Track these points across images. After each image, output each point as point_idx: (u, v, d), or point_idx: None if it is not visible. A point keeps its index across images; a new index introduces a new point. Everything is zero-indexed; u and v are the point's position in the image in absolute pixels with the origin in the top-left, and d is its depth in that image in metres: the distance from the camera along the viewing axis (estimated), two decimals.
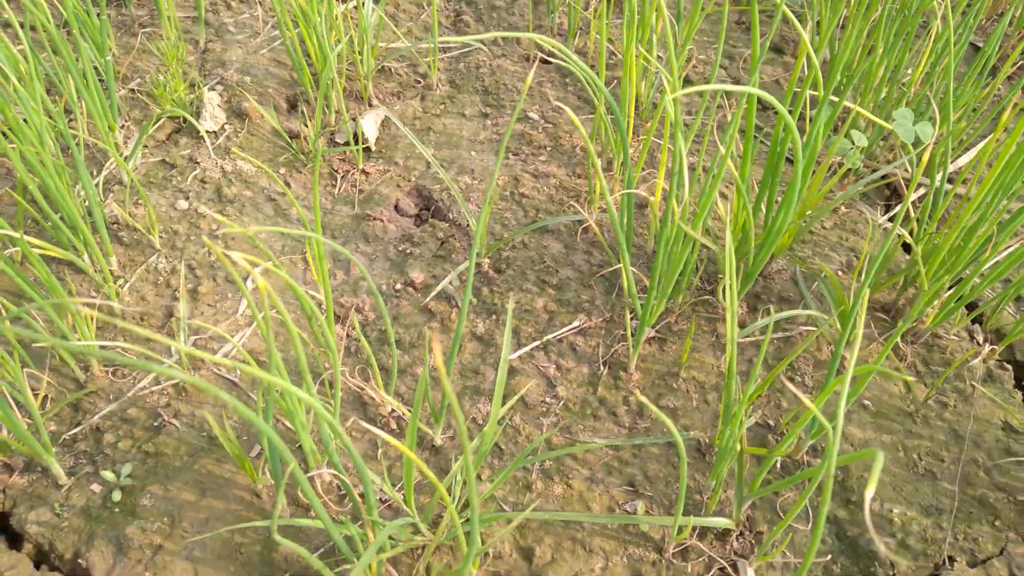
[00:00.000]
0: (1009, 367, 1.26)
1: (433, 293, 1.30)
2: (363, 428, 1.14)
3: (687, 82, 1.70)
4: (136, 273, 1.28)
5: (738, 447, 0.99)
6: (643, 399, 0.75)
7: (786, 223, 1.15)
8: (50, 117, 1.32)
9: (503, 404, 1.16)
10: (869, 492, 0.56)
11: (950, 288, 1.31)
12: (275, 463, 0.94)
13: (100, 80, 1.50)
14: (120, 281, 1.27)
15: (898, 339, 1.26)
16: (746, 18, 1.86)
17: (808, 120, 1.22)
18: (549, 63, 1.75)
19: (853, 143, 1.40)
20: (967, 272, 1.30)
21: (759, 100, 1.61)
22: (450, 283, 1.31)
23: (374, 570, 0.95)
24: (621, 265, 1.22)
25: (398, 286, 1.32)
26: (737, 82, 1.71)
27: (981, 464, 1.13)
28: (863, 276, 1.26)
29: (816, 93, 1.53)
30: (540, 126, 1.60)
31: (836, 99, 1.37)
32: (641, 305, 1.16)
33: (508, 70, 1.71)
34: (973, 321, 1.33)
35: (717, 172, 1.06)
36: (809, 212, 1.29)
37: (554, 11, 1.75)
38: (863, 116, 1.45)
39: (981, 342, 1.29)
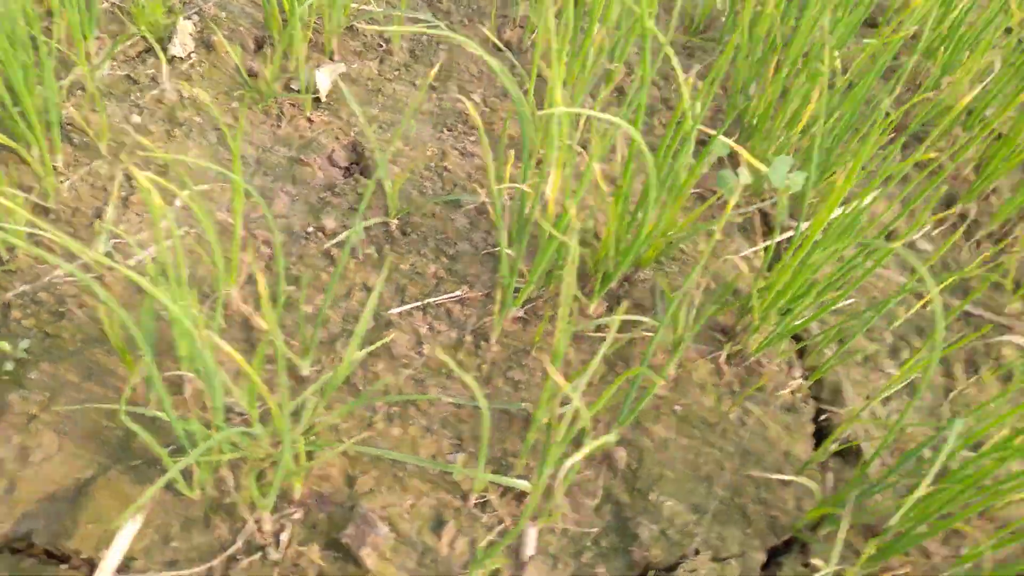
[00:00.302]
0: (811, 402, 1.36)
1: (336, 239, 1.38)
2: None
3: (622, 93, 1.74)
4: (78, 174, 1.35)
5: (545, 421, 1.09)
6: (444, 357, 0.84)
7: (641, 237, 1.23)
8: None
9: (371, 350, 1.25)
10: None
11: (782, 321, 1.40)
12: (149, 357, 1.03)
13: None
14: (62, 178, 1.34)
15: (723, 360, 1.35)
16: (692, 44, 1.90)
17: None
18: (503, 50, 1.79)
19: (737, 178, 1.46)
20: (803, 307, 1.39)
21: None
22: (355, 234, 1.39)
23: (207, 470, 1.05)
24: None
25: (310, 228, 1.40)
26: (667, 102, 1.76)
27: (754, 479, 1.24)
28: (697, 299, 1.35)
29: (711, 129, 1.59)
30: (479, 109, 1.65)
31: (717, 134, 1.43)
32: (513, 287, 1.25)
33: (465, 52, 1.75)
34: (799, 354, 1.42)
35: (583, 177, 1.14)
36: (671, 232, 1.36)
37: (518, 3, 1.79)
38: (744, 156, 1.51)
39: (797, 376, 1.38)
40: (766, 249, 1.47)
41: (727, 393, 1.33)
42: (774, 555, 1.20)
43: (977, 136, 1.68)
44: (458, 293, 1.37)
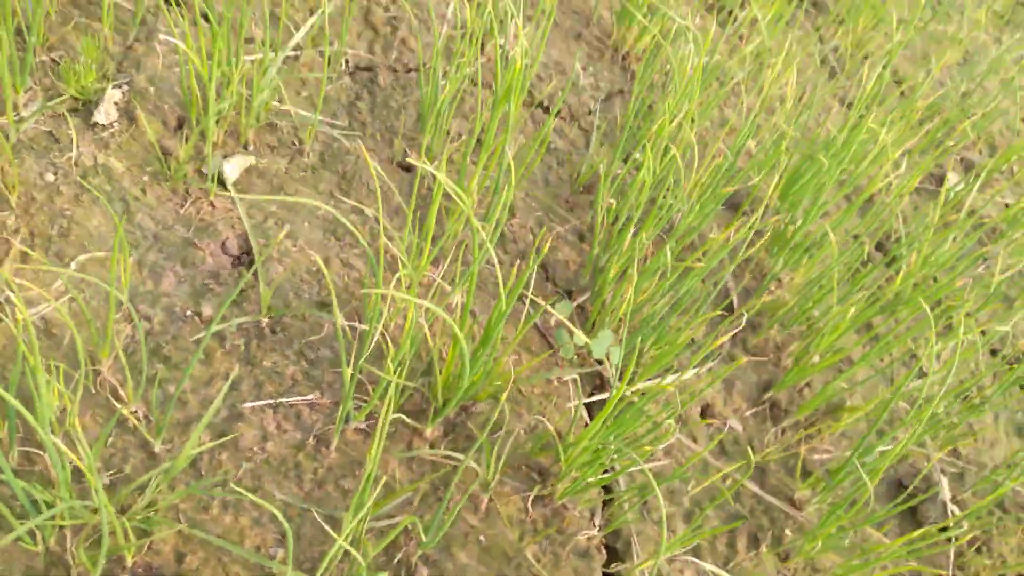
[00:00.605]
0: (604, 551, 1.70)
1: (211, 328, 1.65)
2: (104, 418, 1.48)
3: (504, 238, 2.10)
4: None
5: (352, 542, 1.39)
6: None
7: (467, 378, 1.55)
8: None
9: (220, 442, 1.52)
10: None
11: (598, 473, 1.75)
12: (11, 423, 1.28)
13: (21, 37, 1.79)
14: None
15: (531, 500, 1.69)
16: (573, 200, 2.29)
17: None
18: (408, 170, 2.13)
19: (571, 339, 1.83)
20: (607, 461, 1.75)
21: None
22: (228, 327, 1.67)
23: (50, 531, 1.29)
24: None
25: (188, 312, 1.67)
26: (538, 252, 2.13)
27: None
28: (517, 440, 1.68)
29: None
30: (369, 224, 1.97)
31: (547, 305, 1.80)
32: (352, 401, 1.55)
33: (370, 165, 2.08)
34: (605, 505, 1.78)
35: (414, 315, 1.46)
36: (497, 382, 1.70)
37: (425, 133, 2.13)
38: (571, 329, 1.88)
39: (596, 524, 1.73)
40: (587, 406, 1.84)
41: (530, 531, 1.66)
42: None
43: (803, 329, 2.11)
44: (310, 397, 1.66)
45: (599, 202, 2.08)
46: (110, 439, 1.47)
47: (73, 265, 1.63)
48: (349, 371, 1.52)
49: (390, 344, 1.63)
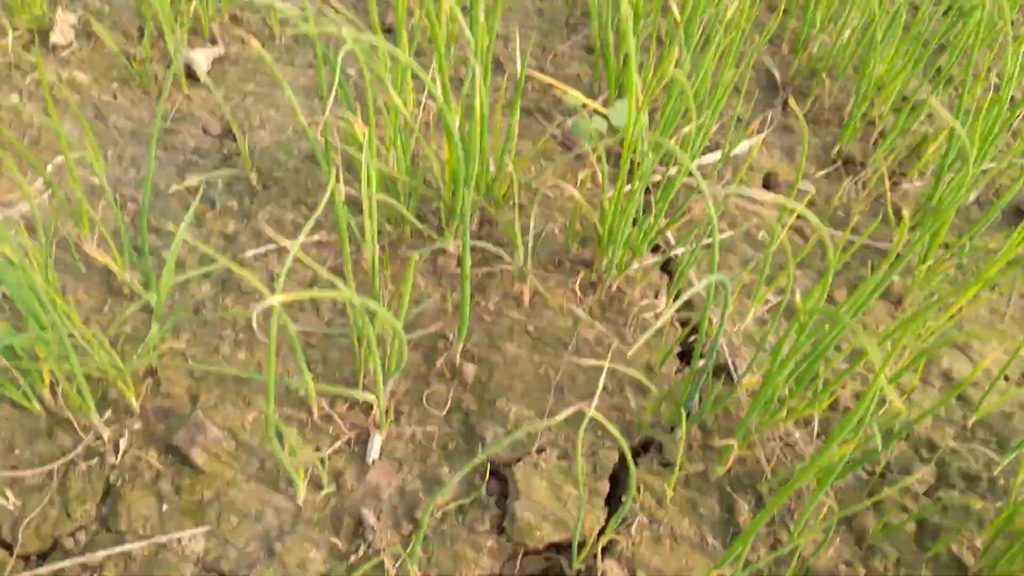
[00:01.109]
0: (678, 325, 1.48)
1: (198, 196, 1.54)
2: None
3: (499, 63, 1.94)
4: None
5: (392, 352, 1.22)
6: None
7: (471, 175, 1.38)
8: None
9: (221, 288, 1.40)
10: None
11: (651, 252, 1.54)
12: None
13: None
14: None
15: (577, 285, 1.49)
16: (574, 18, 2.11)
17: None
18: (391, 31, 2.00)
19: (590, 123, 1.64)
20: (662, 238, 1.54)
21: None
22: (213, 189, 1.55)
23: (37, 380, 1.18)
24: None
25: (174, 187, 1.56)
26: (542, 69, 1.95)
27: (609, 389, 1.36)
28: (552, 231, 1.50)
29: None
30: (352, 82, 1.84)
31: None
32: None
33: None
34: (668, 284, 1.56)
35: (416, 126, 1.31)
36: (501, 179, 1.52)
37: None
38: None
39: (662, 302, 1.52)
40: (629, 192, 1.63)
41: (585, 317, 1.46)
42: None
43: (862, 83, 1.85)
44: (316, 237, 1.52)
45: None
46: (106, 307, 1.37)
47: (49, 167, 1.55)
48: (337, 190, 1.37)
49: (391, 161, 1.47)
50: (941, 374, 1.49)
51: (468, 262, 1.19)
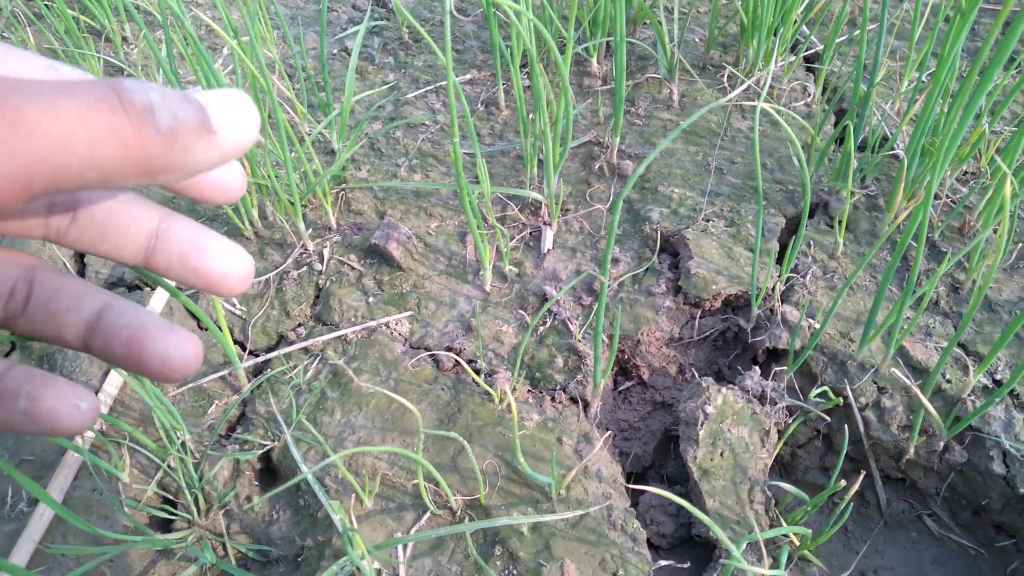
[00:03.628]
0: (828, 111, 1.45)
1: (354, 56, 1.62)
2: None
3: None
4: (143, 43, 1.68)
5: (557, 148, 1.26)
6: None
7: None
8: None
9: (392, 124, 1.48)
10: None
11: (792, 48, 1.51)
12: None
13: None
14: (131, 46, 1.67)
15: (725, 79, 1.48)
16: None
17: None
18: None
19: None
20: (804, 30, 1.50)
21: None
22: (371, 49, 1.63)
23: (251, 203, 1.29)
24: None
25: (335, 51, 1.65)
26: None
27: (768, 167, 1.35)
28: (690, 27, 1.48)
29: None
30: None
31: None
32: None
33: None
34: (808, 71, 1.52)
35: None
36: None
37: None
38: None
39: (810, 92, 1.48)
40: None
41: (736, 111, 1.45)
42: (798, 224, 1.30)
43: None
44: (469, 76, 1.57)
45: None
46: (292, 153, 1.47)
47: (225, 49, 1.67)
48: (497, 39, 1.42)
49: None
50: None
51: (623, 50, 1.21)
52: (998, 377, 1.08)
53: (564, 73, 1.15)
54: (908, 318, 1.13)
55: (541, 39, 1.49)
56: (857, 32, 1.58)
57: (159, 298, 1.24)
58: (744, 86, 1.48)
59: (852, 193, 1.29)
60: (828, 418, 1.10)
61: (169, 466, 1.04)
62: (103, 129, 0.28)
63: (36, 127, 0.27)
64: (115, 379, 1.14)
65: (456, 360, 1.16)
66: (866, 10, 1.10)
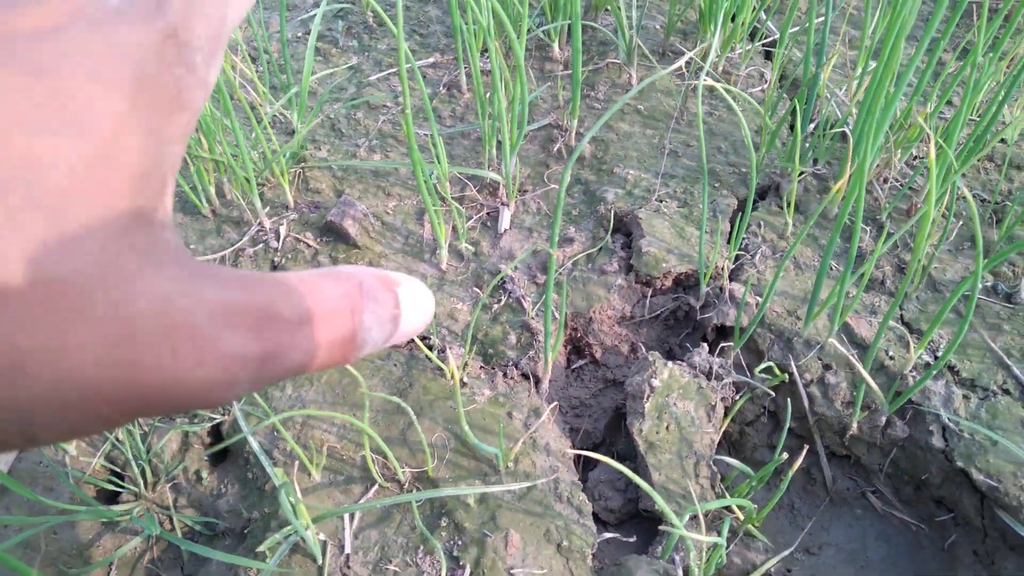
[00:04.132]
0: (785, 98, 1.47)
1: (313, 36, 1.62)
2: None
3: None
4: None
5: (515, 130, 1.27)
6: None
7: None
8: None
9: (353, 106, 1.47)
10: None
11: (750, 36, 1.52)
12: None
13: None
14: None
15: (688, 70, 1.49)
16: None
17: None
18: None
19: None
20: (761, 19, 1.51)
21: None
22: (335, 32, 1.63)
23: (205, 179, 1.29)
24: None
25: (300, 33, 1.65)
26: None
27: (723, 151, 1.36)
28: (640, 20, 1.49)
29: None
30: None
31: None
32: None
33: None
34: (766, 57, 1.54)
35: None
36: None
37: None
38: None
39: (767, 78, 1.50)
40: None
41: (693, 96, 1.46)
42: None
43: None
44: (431, 60, 1.57)
45: None
46: (252, 134, 1.47)
47: None
48: (458, 19, 1.42)
49: None
50: None
51: (579, 34, 1.21)
52: (939, 354, 1.10)
53: (519, 55, 1.15)
54: (851, 296, 1.15)
55: (500, 23, 1.50)
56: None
57: None
58: (694, 65, 1.49)
59: (802, 174, 1.30)
60: (773, 393, 1.11)
61: (117, 439, 1.03)
62: (323, 362, 0.27)
63: (283, 361, 0.25)
64: None
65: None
66: None
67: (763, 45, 1.57)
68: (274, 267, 1.26)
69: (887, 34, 1.04)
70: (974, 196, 1.28)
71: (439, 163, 1.24)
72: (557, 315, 1.17)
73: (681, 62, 0.90)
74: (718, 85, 0.94)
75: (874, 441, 1.09)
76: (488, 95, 1.37)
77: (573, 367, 1.22)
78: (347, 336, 0.27)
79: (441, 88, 1.52)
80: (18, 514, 0.99)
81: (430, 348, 1.15)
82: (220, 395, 0.24)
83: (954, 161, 1.04)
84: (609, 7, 1.58)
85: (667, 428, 1.05)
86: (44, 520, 0.92)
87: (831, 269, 1.20)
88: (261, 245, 1.28)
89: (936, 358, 1.09)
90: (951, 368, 1.09)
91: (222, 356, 0.23)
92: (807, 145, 1.31)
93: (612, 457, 1.19)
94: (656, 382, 1.05)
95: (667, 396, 1.06)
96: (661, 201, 1.28)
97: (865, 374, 1.01)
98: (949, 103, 1.44)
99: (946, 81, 1.42)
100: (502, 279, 1.22)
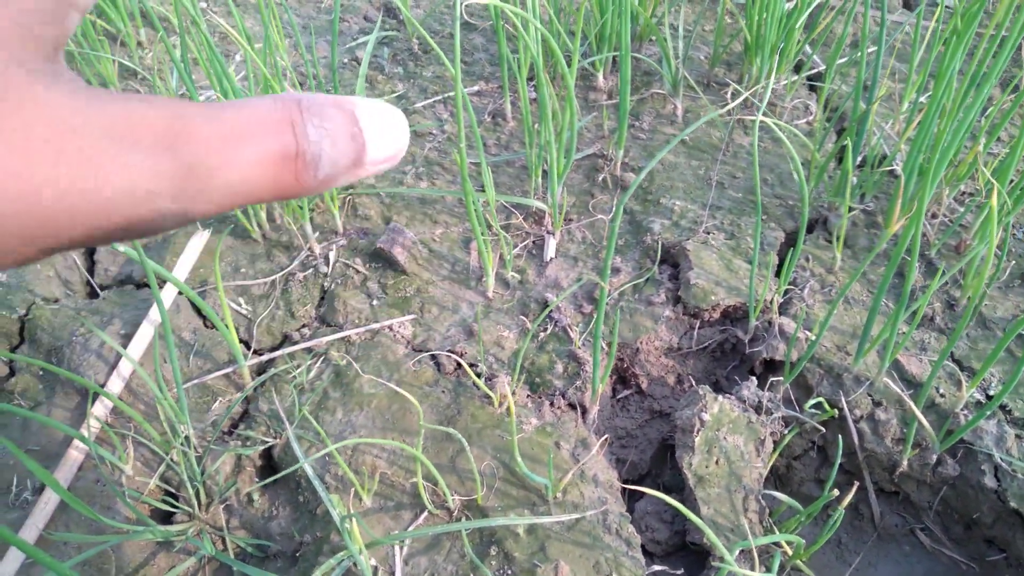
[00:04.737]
0: (830, 129, 1.47)
1: (364, 64, 1.65)
2: None
3: None
4: (159, 46, 1.70)
5: (562, 159, 1.28)
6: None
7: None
8: None
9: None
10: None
11: (794, 69, 1.53)
12: None
13: None
14: (146, 51, 1.69)
15: (729, 96, 1.50)
16: None
17: None
18: None
19: None
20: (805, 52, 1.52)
21: None
22: (381, 59, 1.65)
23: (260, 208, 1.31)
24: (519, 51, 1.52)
25: (345, 60, 1.67)
26: None
27: (769, 183, 1.37)
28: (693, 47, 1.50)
29: None
30: None
31: None
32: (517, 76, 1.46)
33: None
34: (811, 90, 1.54)
35: None
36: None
37: None
38: None
39: (812, 111, 1.50)
40: None
41: (738, 127, 1.47)
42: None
43: None
44: (476, 88, 1.59)
45: None
46: None
47: (237, 56, 1.70)
48: (506, 51, 1.44)
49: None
50: None
51: (628, 64, 1.23)
52: (991, 393, 1.09)
53: (570, 84, 1.17)
54: (903, 332, 1.14)
55: (549, 51, 1.51)
56: (859, 52, 1.60)
57: (168, 294, 1.25)
58: (741, 98, 1.50)
59: (851, 209, 1.30)
60: (823, 429, 1.10)
61: (172, 460, 1.05)
62: (269, 184, 0.27)
63: (212, 178, 0.25)
64: (124, 370, 1.15)
65: (458, 363, 1.17)
66: (865, 30, 1.12)
67: (808, 78, 1.58)
68: (324, 292, 1.28)
69: (939, 77, 1.05)
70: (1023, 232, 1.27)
71: (487, 191, 1.26)
72: (604, 345, 1.18)
73: (733, 104, 0.91)
74: (769, 121, 0.94)
75: (924, 479, 1.08)
76: (535, 125, 1.38)
77: (619, 397, 1.22)
78: (288, 151, 0.26)
79: (486, 116, 1.54)
80: (76, 532, 1.00)
81: (478, 375, 1.16)
82: (143, 211, 0.24)
83: (1008, 200, 1.04)
84: (654, 37, 1.59)
85: (716, 462, 1.05)
86: (104, 540, 0.93)
87: (882, 305, 1.19)
88: (311, 270, 1.29)
89: (988, 396, 1.08)
90: (1003, 407, 1.08)
91: (127, 170, 0.23)
92: (855, 180, 1.31)
93: (658, 488, 1.19)
94: (707, 416, 1.05)
95: (717, 430, 1.06)
96: (708, 233, 1.28)
97: (917, 412, 1.00)
98: (999, 140, 1.44)
99: (995, 118, 1.41)
100: (546, 307, 1.23)
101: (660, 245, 1.27)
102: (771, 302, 1.17)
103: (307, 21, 1.80)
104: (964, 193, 1.34)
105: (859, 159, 1.35)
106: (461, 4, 1.48)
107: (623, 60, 1.22)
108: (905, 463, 1.07)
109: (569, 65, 1.39)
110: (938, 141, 1.10)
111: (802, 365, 1.07)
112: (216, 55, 1.15)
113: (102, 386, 1.13)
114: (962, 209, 1.30)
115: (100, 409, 1.12)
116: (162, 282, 1.28)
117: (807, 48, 1.60)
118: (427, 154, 1.47)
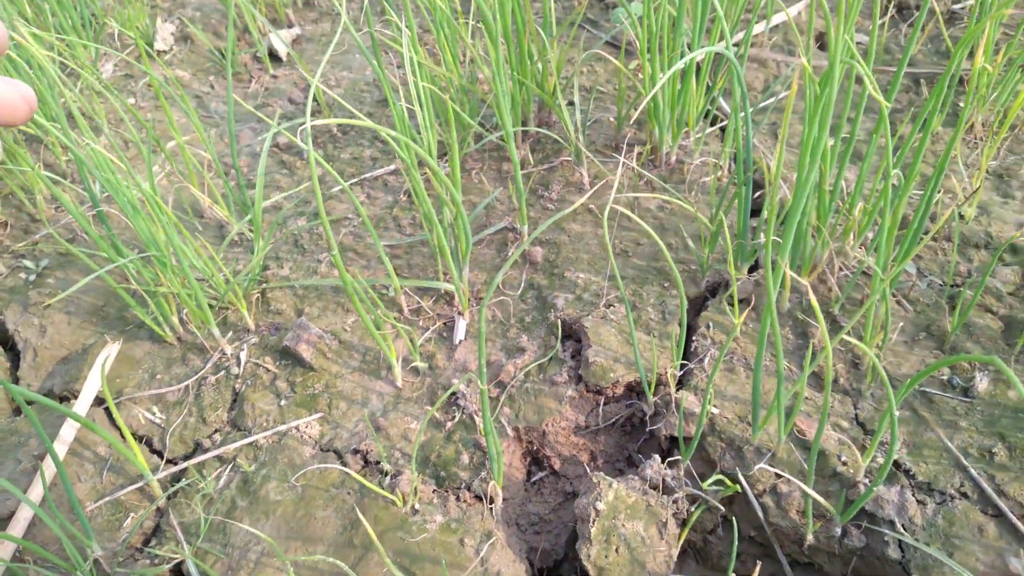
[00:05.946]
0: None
1: (262, 161, 1.64)
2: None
3: None
4: (89, 146, 1.70)
5: (461, 240, 1.26)
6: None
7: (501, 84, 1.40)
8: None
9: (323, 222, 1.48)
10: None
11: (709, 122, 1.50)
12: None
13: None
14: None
15: (641, 165, 1.47)
16: None
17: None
18: None
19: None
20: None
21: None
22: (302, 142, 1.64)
23: (169, 310, 1.29)
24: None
25: (271, 147, 1.67)
26: None
27: (673, 247, 1.34)
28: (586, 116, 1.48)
29: None
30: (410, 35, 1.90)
31: None
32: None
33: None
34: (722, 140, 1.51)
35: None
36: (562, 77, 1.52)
37: None
38: None
39: (722, 167, 1.47)
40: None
41: (646, 190, 1.44)
42: (704, 301, 1.28)
43: None
44: (393, 167, 1.58)
45: None
46: (222, 254, 1.48)
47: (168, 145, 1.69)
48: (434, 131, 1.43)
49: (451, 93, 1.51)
50: (1022, 185, 1.37)
51: (513, 147, 1.21)
52: (895, 458, 1.05)
53: (455, 179, 1.15)
54: (806, 397, 1.11)
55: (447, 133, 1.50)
56: (769, 100, 1.58)
57: (83, 406, 1.24)
58: (652, 160, 1.47)
59: (754, 269, 1.27)
60: (723, 508, 1.07)
61: None
62: None
63: None
64: (35, 494, 1.14)
65: (363, 462, 1.14)
66: (736, 100, 1.10)
67: (722, 129, 1.55)
68: (235, 395, 1.26)
69: (805, 135, 1.02)
70: (928, 280, 1.24)
71: (391, 278, 1.24)
72: (510, 430, 1.15)
73: (631, 159, 0.88)
74: (660, 197, 0.91)
75: (833, 551, 1.04)
76: (437, 206, 1.36)
77: (533, 480, 1.19)
78: None
79: (402, 195, 1.52)
80: None
81: (383, 473, 1.13)
82: None
83: (877, 270, 1.01)
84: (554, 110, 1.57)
85: (616, 551, 1.01)
86: None
87: (786, 370, 1.16)
88: (223, 372, 1.28)
89: (895, 464, 1.04)
90: (906, 471, 1.04)
91: None
92: (754, 239, 1.28)
93: (575, 572, 1.16)
94: (601, 505, 1.02)
95: (614, 518, 1.02)
96: (609, 306, 1.25)
97: (806, 488, 0.96)
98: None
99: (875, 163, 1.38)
100: (453, 395, 1.21)
101: (560, 323, 1.24)
102: (669, 376, 1.14)
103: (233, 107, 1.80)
104: (870, 239, 1.30)
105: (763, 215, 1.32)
106: (308, 126, 1.47)
107: (509, 144, 1.20)
108: (811, 536, 1.03)
109: (462, 145, 1.38)
110: (794, 208, 1.06)
111: (695, 441, 1.04)
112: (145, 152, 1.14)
113: (11, 515, 1.12)
114: (871, 259, 1.26)
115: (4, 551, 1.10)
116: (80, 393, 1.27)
117: (722, 101, 1.57)
118: (342, 240, 1.45)
